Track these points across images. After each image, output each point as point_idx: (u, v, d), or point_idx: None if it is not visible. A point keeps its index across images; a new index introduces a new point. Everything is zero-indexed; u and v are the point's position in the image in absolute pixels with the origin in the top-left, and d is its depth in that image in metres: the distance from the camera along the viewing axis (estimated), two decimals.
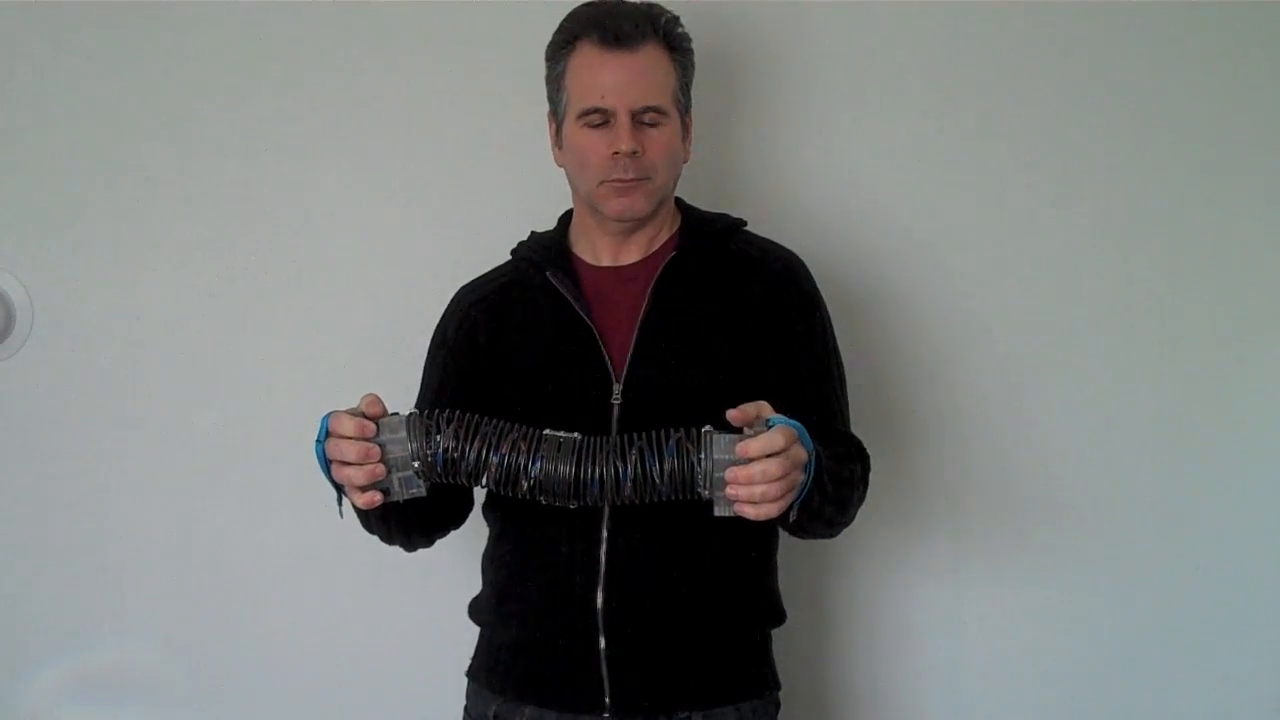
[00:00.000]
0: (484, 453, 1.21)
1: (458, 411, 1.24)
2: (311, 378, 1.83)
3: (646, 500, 1.20)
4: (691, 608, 1.38)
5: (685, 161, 1.47)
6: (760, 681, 1.44)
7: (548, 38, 1.43)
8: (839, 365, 1.47)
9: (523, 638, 1.41)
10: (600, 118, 1.38)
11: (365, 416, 1.22)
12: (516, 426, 1.23)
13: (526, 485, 1.21)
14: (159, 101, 1.83)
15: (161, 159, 1.84)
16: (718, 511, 1.19)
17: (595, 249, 1.47)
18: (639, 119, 1.37)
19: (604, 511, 1.35)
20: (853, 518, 1.38)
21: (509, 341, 1.44)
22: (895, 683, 1.86)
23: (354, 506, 1.29)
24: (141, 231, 1.84)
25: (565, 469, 1.20)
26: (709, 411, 1.21)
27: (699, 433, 1.18)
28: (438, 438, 1.22)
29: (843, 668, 1.86)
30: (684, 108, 1.44)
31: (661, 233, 1.47)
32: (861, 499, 1.38)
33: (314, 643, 1.87)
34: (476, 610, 1.50)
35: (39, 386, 1.85)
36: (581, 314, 1.41)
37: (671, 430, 1.19)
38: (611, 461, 1.19)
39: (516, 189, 1.80)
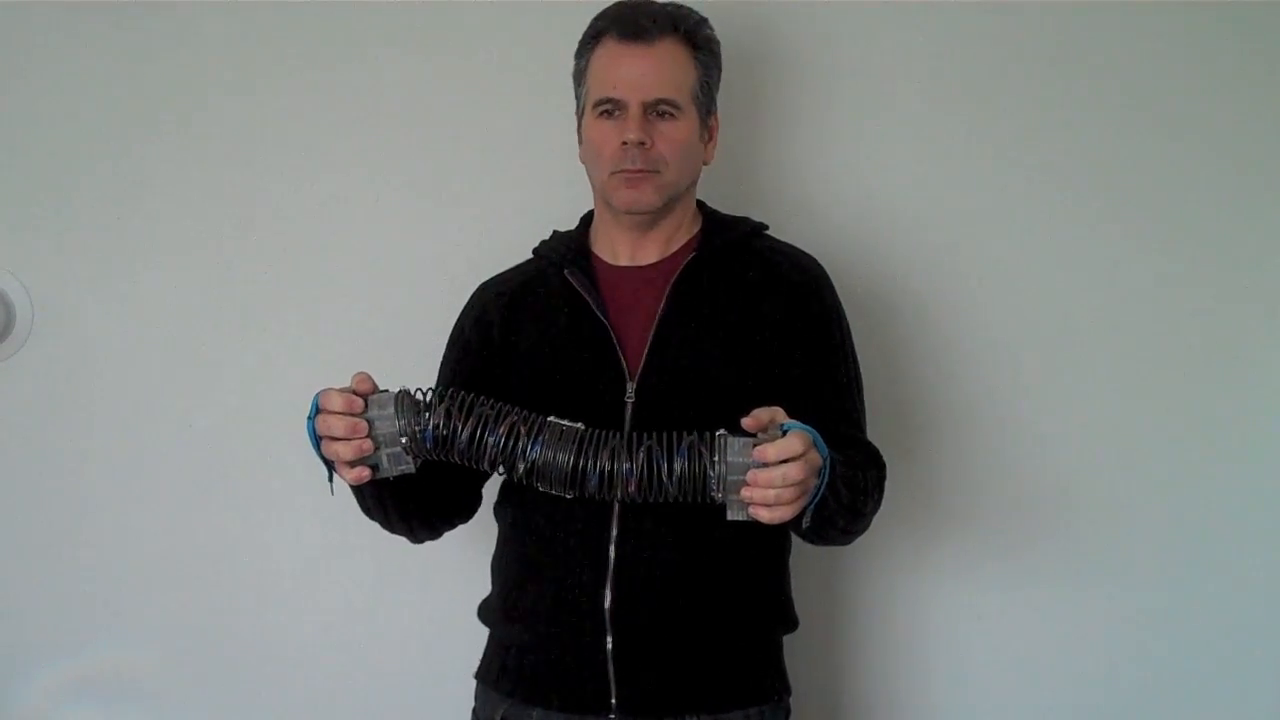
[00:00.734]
0: (478, 432, 1.22)
1: (450, 390, 1.25)
2: (313, 378, 1.79)
3: (651, 500, 1.21)
4: (701, 610, 1.38)
5: (707, 163, 1.48)
6: (770, 687, 1.44)
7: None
8: (856, 372, 1.47)
9: (530, 638, 1.41)
10: (612, 107, 1.39)
11: (355, 393, 1.23)
12: (518, 410, 1.24)
13: (523, 468, 1.22)
14: (159, 101, 1.83)
15: (161, 159, 1.84)
16: (731, 516, 1.19)
17: (614, 247, 1.47)
18: (651, 111, 1.39)
19: (613, 512, 1.36)
20: (868, 524, 1.38)
21: (524, 337, 1.45)
22: (907, 688, 1.85)
23: (350, 489, 1.30)
24: (141, 231, 1.84)
25: (565, 457, 1.20)
26: (723, 414, 1.22)
27: (713, 436, 1.19)
28: (426, 415, 1.22)
29: (854, 673, 1.85)
30: (705, 108, 1.44)
31: (680, 233, 1.47)
32: (877, 506, 1.38)
33: (318, 645, 1.87)
34: (485, 612, 1.50)
35: (39, 386, 1.84)
36: (597, 312, 1.41)
37: (684, 433, 1.20)
38: (617, 457, 1.20)
39: (517, 190, 1.81)
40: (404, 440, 1.23)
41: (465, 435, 1.22)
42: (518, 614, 1.43)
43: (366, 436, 1.22)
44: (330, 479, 1.30)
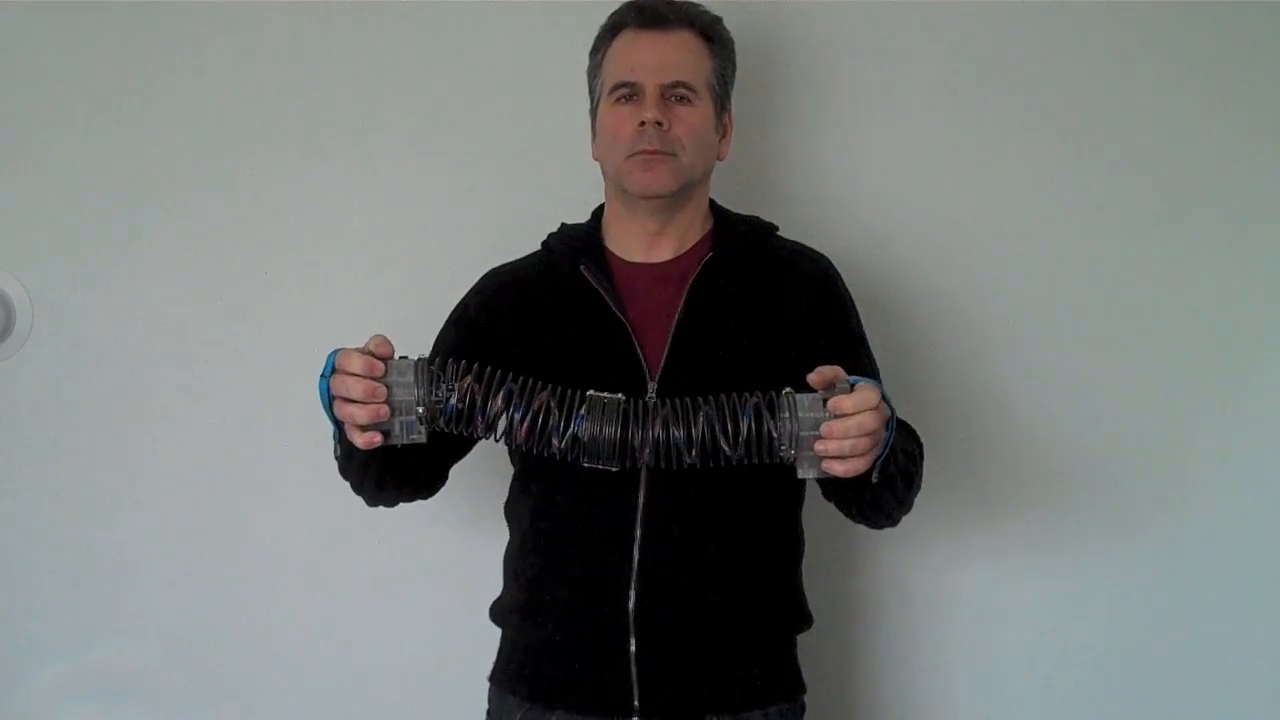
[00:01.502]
0: (506, 407, 1.20)
1: (474, 364, 1.22)
2: (314, 378, 1.82)
3: (708, 465, 1.20)
4: (722, 610, 1.38)
5: (721, 158, 1.48)
6: (788, 686, 1.44)
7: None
8: (874, 364, 1.48)
9: (551, 639, 1.40)
10: (629, 90, 1.41)
11: (374, 356, 1.21)
12: (543, 384, 1.22)
13: (559, 444, 1.21)
14: (160, 100, 1.83)
15: (162, 157, 1.83)
16: (802, 473, 1.19)
17: (628, 243, 1.47)
18: (668, 94, 1.40)
19: (637, 510, 1.36)
20: (913, 501, 1.38)
21: (537, 331, 1.43)
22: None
23: (340, 448, 1.28)
24: (141, 231, 1.84)
25: (611, 430, 1.19)
26: None
27: (779, 394, 1.19)
28: (443, 387, 1.21)
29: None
30: (720, 100, 1.45)
31: (694, 229, 1.47)
32: (920, 482, 1.38)
33: (317, 646, 1.86)
34: (500, 613, 1.49)
35: (39, 386, 1.84)
36: (615, 309, 1.41)
37: (744, 394, 1.20)
38: (671, 424, 1.19)
39: (519, 191, 1.82)
40: (420, 409, 1.21)
41: (493, 410, 1.20)
42: (538, 614, 1.42)
43: (384, 402, 1.21)
44: (336, 440, 1.27)
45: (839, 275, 1.49)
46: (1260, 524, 1.85)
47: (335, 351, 1.22)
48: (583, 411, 1.20)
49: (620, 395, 1.22)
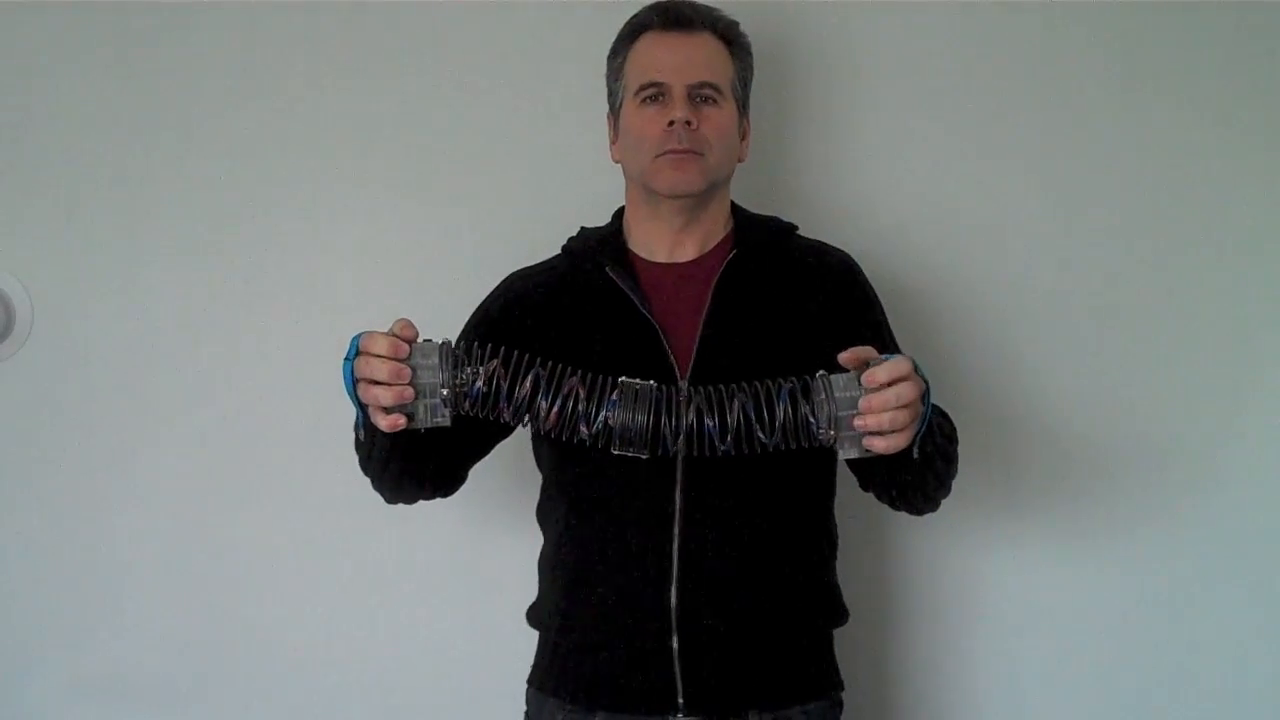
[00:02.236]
0: (534, 391, 1.21)
1: (501, 348, 1.23)
2: (314, 377, 1.82)
3: (741, 452, 1.21)
4: (762, 605, 1.39)
5: (742, 160, 1.50)
6: (826, 682, 1.45)
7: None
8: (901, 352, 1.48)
9: (592, 639, 1.40)
10: (656, 91, 1.42)
11: (399, 338, 1.21)
12: (572, 370, 1.23)
13: (587, 430, 1.21)
14: (160, 101, 1.83)
15: (162, 158, 1.83)
16: (844, 454, 1.20)
17: (651, 244, 1.48)
18: (694, 95, 1.41)
19: (676, 508, 1.36)
20: (950, 488, 1.39)
21: (563, 332, 1.43)
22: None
23: (363, 438, 1.29)
24: (141, 231, 1.84)
25: (644, 417, 1.20)
26: None
27: (813, 378, 1.20)
28: (468, 370, 1.21)
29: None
30: (741, 103, 1.47)
31: (716, 230, 1.48)
32: (957, 468, 1.38)
33: (319, 647, 1.86)
34: (537, 616, 1.49)
35: (39, 386, 1.84)
36: (643, 309, 1.41)
37: (776, 380, 1.21)
38: (704, 412, 1.20)
39: (519, 191, 1.83)
40: (445, 392, 1.20)
41: (521, 395, 1.20)
42: (579, 615, 1.42)
43: (409, 384, 1.20)
44: (360, 425, 1.27)
45: (860, 268, 1.50)
46: None
47: (359, 335, 1.22)
48: (614, 397, 1.21)
49: (652, 382, 1.23)
